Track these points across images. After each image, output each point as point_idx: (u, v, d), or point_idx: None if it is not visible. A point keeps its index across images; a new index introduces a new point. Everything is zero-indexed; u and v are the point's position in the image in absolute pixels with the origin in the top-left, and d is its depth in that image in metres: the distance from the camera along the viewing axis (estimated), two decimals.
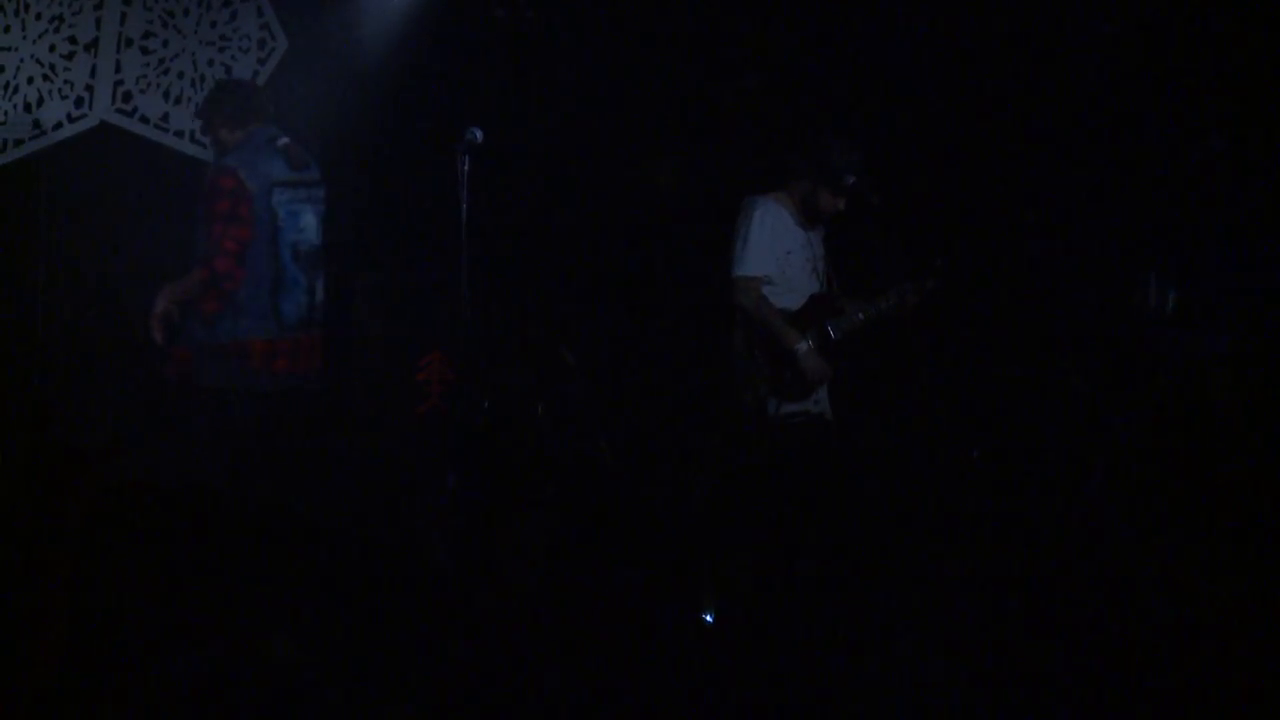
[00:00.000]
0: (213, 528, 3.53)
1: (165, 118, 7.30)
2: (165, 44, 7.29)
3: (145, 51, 7.26)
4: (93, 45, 7.14)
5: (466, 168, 6.30)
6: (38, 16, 7.01)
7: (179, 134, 7.33)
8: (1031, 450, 6.93)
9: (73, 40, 7.11)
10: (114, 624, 3.22)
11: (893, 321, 6.99)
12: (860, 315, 6.92)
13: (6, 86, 6.95)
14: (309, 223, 6.59)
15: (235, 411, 6.49)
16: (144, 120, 7.25)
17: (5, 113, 6.95)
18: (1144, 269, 7.16)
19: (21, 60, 6.98)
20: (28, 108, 6.99)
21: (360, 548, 3.81)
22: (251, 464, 6.72)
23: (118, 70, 7.18)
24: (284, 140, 6.60)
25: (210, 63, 7.37)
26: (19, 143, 6.95)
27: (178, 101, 7.31)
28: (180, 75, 7.32)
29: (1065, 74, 7.48)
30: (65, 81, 7.10)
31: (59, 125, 7.10)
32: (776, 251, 6.84)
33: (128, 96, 7.20)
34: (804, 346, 6.78)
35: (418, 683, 3.41)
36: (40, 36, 7.01)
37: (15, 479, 3.58)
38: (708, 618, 3.46)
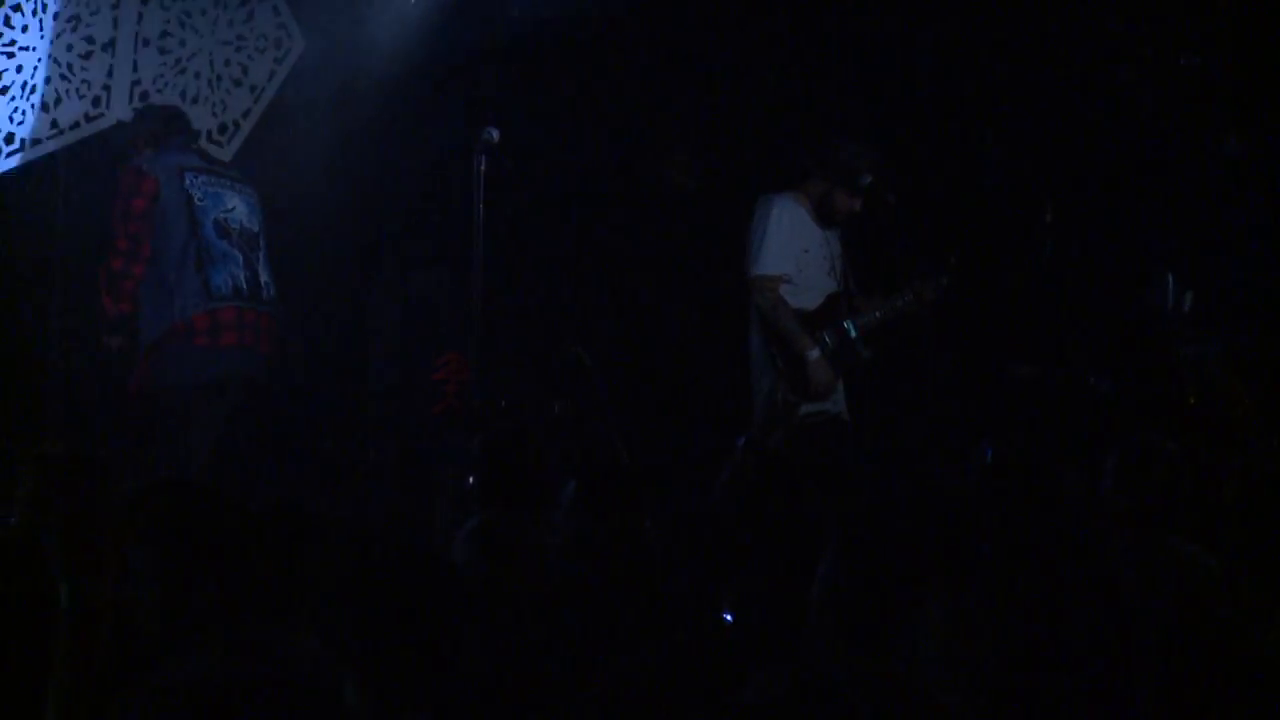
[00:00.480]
0: (236, 531, 3.54)
1: None
2: (182, 44, 7.30)
3: (162, 51, 7.26)
4: (110, 45, 7.14)
5: (483, 167, 6.31)
6: (55, 16, 7.01)
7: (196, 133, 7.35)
8: (1045, 450, 6.92)
9: (90, 40, 7.11)
10: (150, 627, 3.24)
11: (910, 319, 7.00)
12: (878, 313, 6.93)
13: (24, 86, 6.95)
14: (236, 205, 6.57)
15: (219, 406, 6.49)
16: None
17: (23, 112, 6.96)
18: (1161, 269, 7.15)
19: (39, 60, 6.99)
20: (45, 107, 7.00)
21: (377, 548, 3.81)
22: (255, 462, 6.74)
23: (135, 70, 7.18)
24: (196, 145, 6.72)
25: (227, 63, 7.38)
26: (36, 142, 6.96)
27: (194, 101, 7.32)
28: (197, 75, 7.33)
29: (1083, 73, 7.47)
30: (83, 81, 7.11)
31: (76, 125, 7.10)
32: (795, 250, 6.84)
33: (145, 96, 7.20)
34: (814, 354, 6.78)
35: (435, 685, 3.41)
36: (58, 36, 7.01)
37: (56, 482, 3.60)
38: (727, 616, 3.46)
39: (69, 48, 7.06)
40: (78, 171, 7.20)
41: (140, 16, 7.20)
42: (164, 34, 7.25)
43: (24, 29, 6.93)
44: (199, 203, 6.44)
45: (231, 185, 6.60)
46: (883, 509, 4.70)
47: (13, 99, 6.92)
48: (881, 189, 6.83)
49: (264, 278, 6.57)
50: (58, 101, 6.99)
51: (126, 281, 6.38)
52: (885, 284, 7.08)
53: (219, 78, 7.38)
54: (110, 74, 7.17)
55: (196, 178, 6.49)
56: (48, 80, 7.02)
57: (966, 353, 7.56)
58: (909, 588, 3.45)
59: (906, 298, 6.96)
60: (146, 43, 7.22)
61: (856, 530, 3.62)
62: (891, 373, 7.29)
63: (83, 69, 7.10)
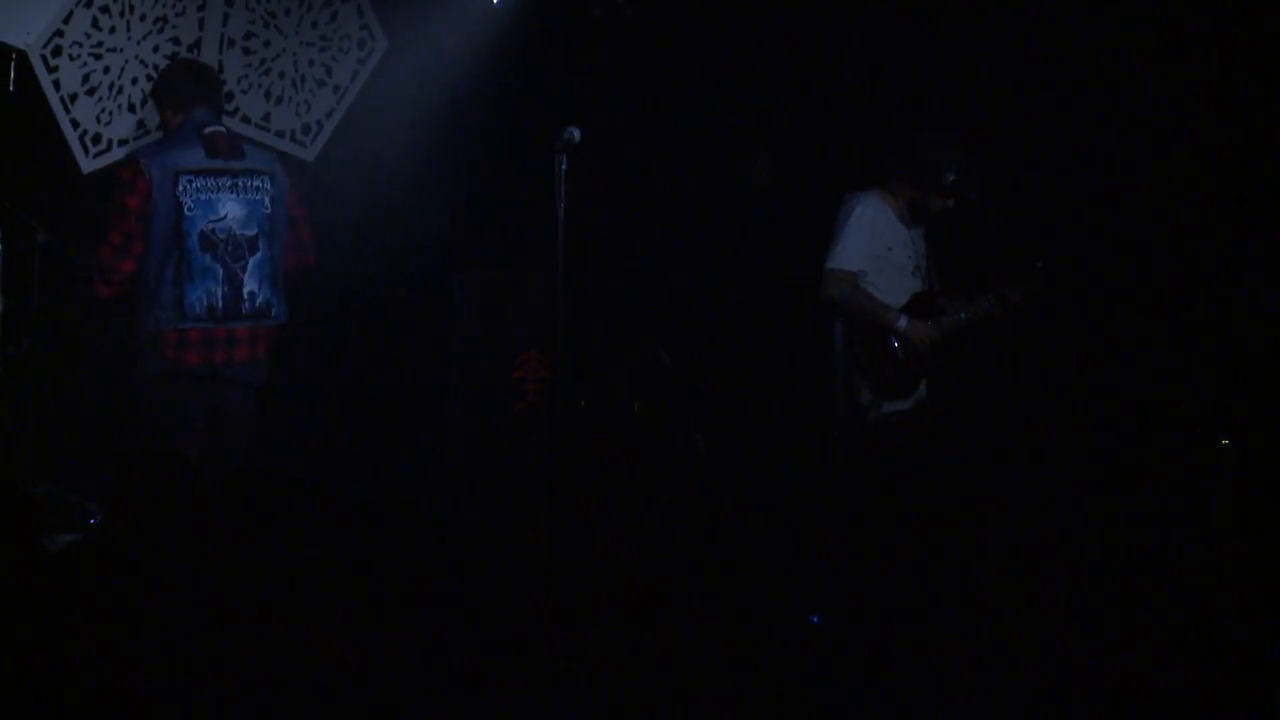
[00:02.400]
0: (312, 523, 3.55)
1: (266, 117, 7.36)
2: (267, 44, 7.35)
3: (247, 52, 7.31)
4: (195, 46, 7.19)
5: (564, 167, 6.32)
6: (142, 18, 7.07)
7: (280, 133, 7.39)
8: (1143, 456, 6.84)
9: (176, 41, 7.16)
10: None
11: (995, 321, 6.94)
12: (962, 314, 6.87)
13: (111, 87, 7.02)
14: (231, 210, 6.47)
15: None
16: (245, 120, 7.31)
17: (110, 113, 7.03)
18: (1264, 271, 7.06)
19: (126, 61, 7.05)
20: (131, 108, 7.06)
21: (456, 544, 3.81)
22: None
23: (220, 71, 7.24)
24: (211, 128, 6.55)
25: (311, 63, 7.43)
26: (123, 142, 7.03)
27: (279, 101, 7.37)
28: (281, 76, 7.38)
29: (1176, 68, 7.37)
30: None
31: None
32: (876, 248, 6.79)
33: (229, 96, 7.25)
34: (904, 322, 6.74)
35: (512, 678, 3.41)
36: (144, 37, 7.07)
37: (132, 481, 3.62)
38: (814, 619, 3.44)
39: (155, 49, 7.11)
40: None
41: (226, 18, 7.25)
42: (249, 35, 7.30)
43: (111, 30, 6.99)
44: (188, 213, 6.39)
45: (232, 185, 6.54)
46: None
47: (100, 100, 6.99)
48: (965, 186, 6.76)
49: (249, 288, 6.48)
50: (144, 102, 7.05)
51: (114, 275, 6.45)
52: (970, 284, 7.02)
53: (303, 78, 7.43)
54: None
55: (191, 182, 6.42)
56: (134, 81, 7.08)
57: (1053, 354, 7.49)
58: None
59: (991, 300, 6.89)
60: (231, 43, 7.28)
61: None
62: (977, 374, 7.23)
63: None
